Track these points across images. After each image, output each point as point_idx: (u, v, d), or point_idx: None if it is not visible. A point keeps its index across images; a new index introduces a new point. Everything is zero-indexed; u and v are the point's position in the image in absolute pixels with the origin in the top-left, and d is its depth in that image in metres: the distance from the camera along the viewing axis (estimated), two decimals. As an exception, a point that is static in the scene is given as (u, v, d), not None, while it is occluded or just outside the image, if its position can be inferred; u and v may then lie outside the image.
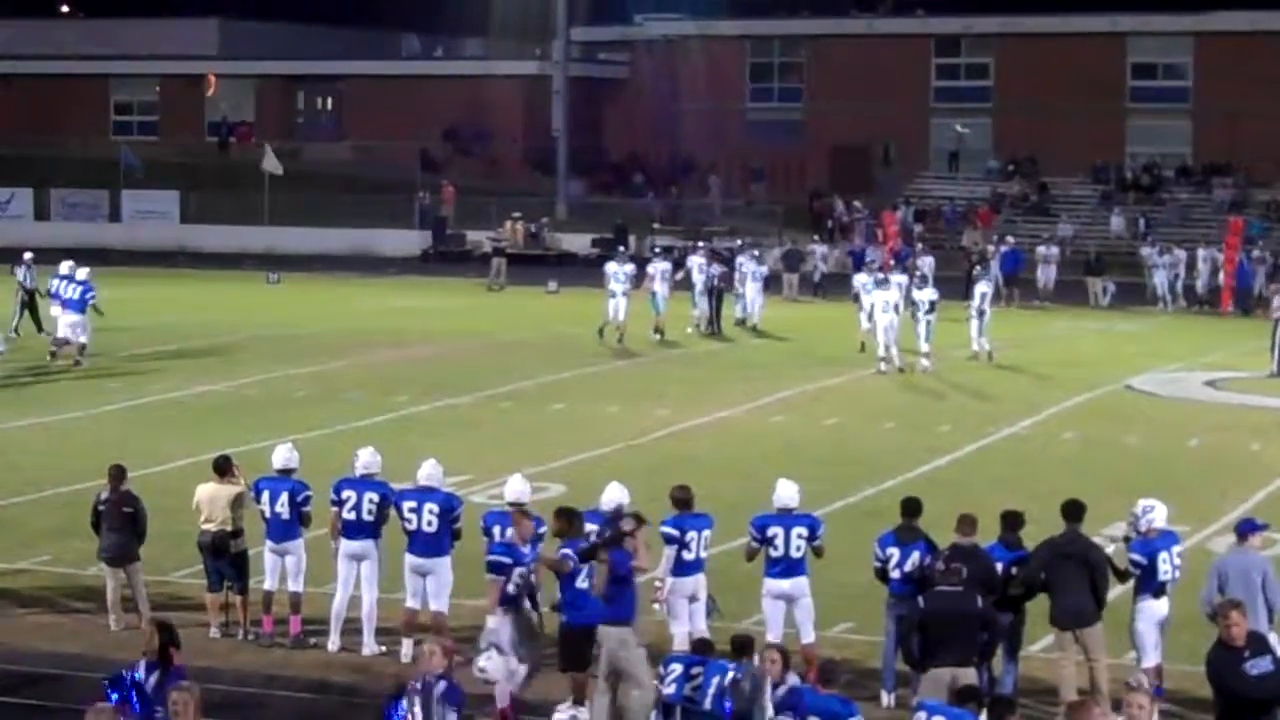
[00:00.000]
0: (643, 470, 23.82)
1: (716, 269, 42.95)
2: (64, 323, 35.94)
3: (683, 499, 16.79)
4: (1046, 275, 52.47)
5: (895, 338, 35.87)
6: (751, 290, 43.64)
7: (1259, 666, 13.12)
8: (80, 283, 36.25)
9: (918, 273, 42.03)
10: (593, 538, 15.90)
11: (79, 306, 35.94)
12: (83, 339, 35.80)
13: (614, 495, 16.84)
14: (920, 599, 14.99)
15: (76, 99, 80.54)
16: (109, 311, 37.56)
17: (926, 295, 36.77)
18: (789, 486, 16.61)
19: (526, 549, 15.82)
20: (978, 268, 43.51)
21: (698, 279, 42.91)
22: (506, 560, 15.77)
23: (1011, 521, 16.12)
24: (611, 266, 40.89)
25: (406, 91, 77.19)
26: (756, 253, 46.89)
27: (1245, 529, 15.77)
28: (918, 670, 14.74)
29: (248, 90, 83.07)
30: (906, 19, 76.36)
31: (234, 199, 66.47)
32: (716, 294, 42.74)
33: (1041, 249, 54.11)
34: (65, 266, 36.98)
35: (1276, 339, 36.18)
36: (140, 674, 12.96)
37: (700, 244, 49.28)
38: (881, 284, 37.62)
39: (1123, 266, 54.65)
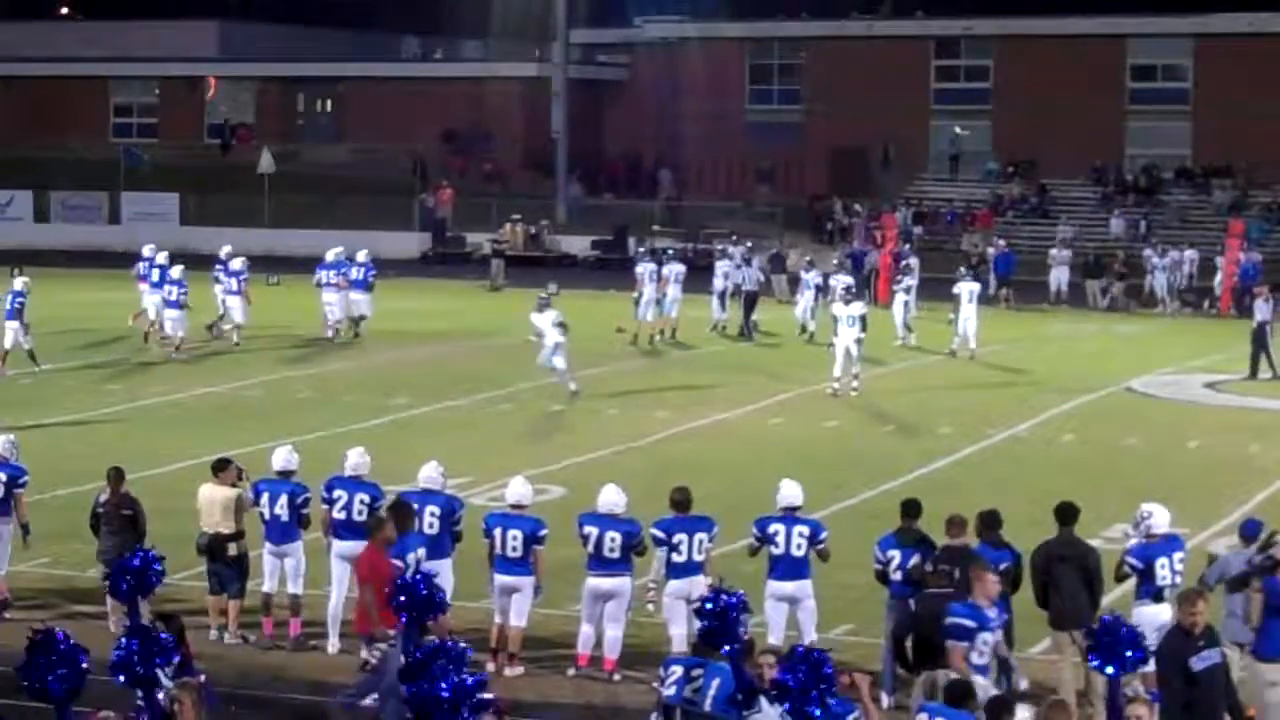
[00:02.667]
0: (642, 472, 23.84)
1: (752, 273, 42.71)
2: (357, 301, 40.66)
3: (679, 501, 16.83)
4: (1059, 278, 52.48)
5: (858, 355, 33.23)
6: (809, 298, 41.99)
7: (1207, 660, 13.18)
8: (363, 264, 41.00)
9: (843, 285, 38.24)
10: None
11: (364, 285, 40.75)
12: (367, 313, 40.93)
13: (611, 497, 16.90)
14: (910, 602, 15.00)
15: (76, 101, 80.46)
16: (108, 313, 37.56)
17: (854, 310, 33.44)
18: (793, 486, 16.66)
19: (992, 611, 14.05)
20: (960, 269, 43.48)
21: (720, 283, 43.47)
22: (970, 624, 13.78)
23: (990, 520, 16.12)
24: (641, 267, 41.66)
25: (406, 93, 77.15)
26: (809, 258, 46.82)
27: (1249, 532, 15.76)
28: (911, 672, 14.76)
29: (247, 92, 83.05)
30: (906, 21, 76.32)
31: (234, 201, 66.44)
32: (750, 298, 42.50)
33: (1054, 251, 54.13)
34: (333, 253, 41.44)
35: (1267, 344, 36.15)
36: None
37: (728, 247, 49.31)
38: (847, 296, 34.86)
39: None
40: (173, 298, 37.43)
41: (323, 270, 40.86)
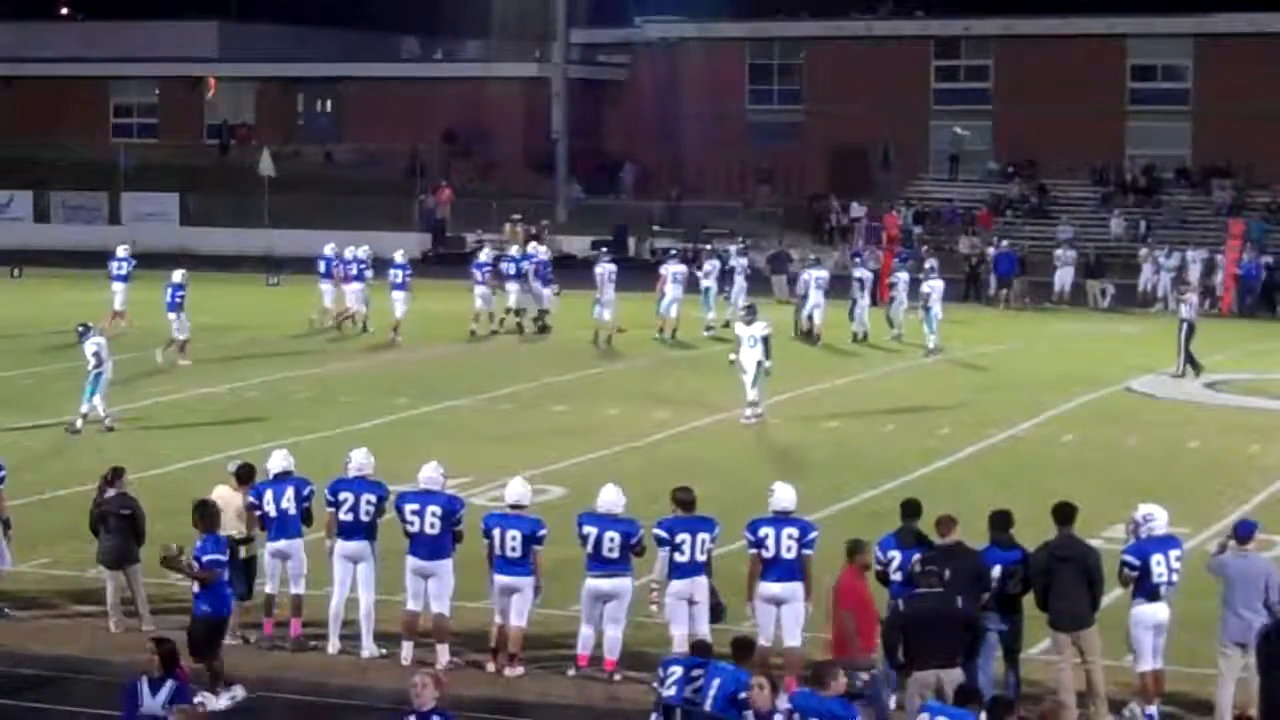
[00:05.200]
0: (642, 472, 23.84)
1: (813, 276, 42.45)
2: (521, 293, 42.24)
3: (683, 501, 16.81)
4: (1063, 279, 52.45)
5: (760, 380, 30.18)
6: (815, 298, 41.51)
7: None
8: (540, 261, 42.71)
9: (744, 305, 34.51)
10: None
11: (545, 279, 42.43)
12: (547, 306, 42.57)
13: (610, 497, 16.89)
14: (899, 602, 15.00)
15: (76, 101, 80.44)
16: (109, 314, 37.59)
17: (756, 330, 30.26)
18: (787, 490, 16.63)
19: None
20: (927, 265, 43.57)
21: (707, 282, 43.55)
22: None
23: (1000, 521, 16.11)
24: (668, 268, 41.96)
25: (406, 94, 77.16)
26: (814, 257, 46.82)
27: (1244, 532, 15.71)
28: (901, 673, 14.77)
29: (247, 92, 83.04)
30: (906, 21, 76.30)
31: (233, 201, 66.45)
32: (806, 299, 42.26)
33: (1059, 251, 54.07)
34: (524, 248, 43.80)
35: (1180, 340, 36.17)
36: (145, 694, 12.99)
37: (718, 246, 49.28)
38: (749, 316, 31.23)
39: (1122, 269, 54.63)
40: (397, 280, 40.92)
41: (527, 263, 42.68)
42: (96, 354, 28.60)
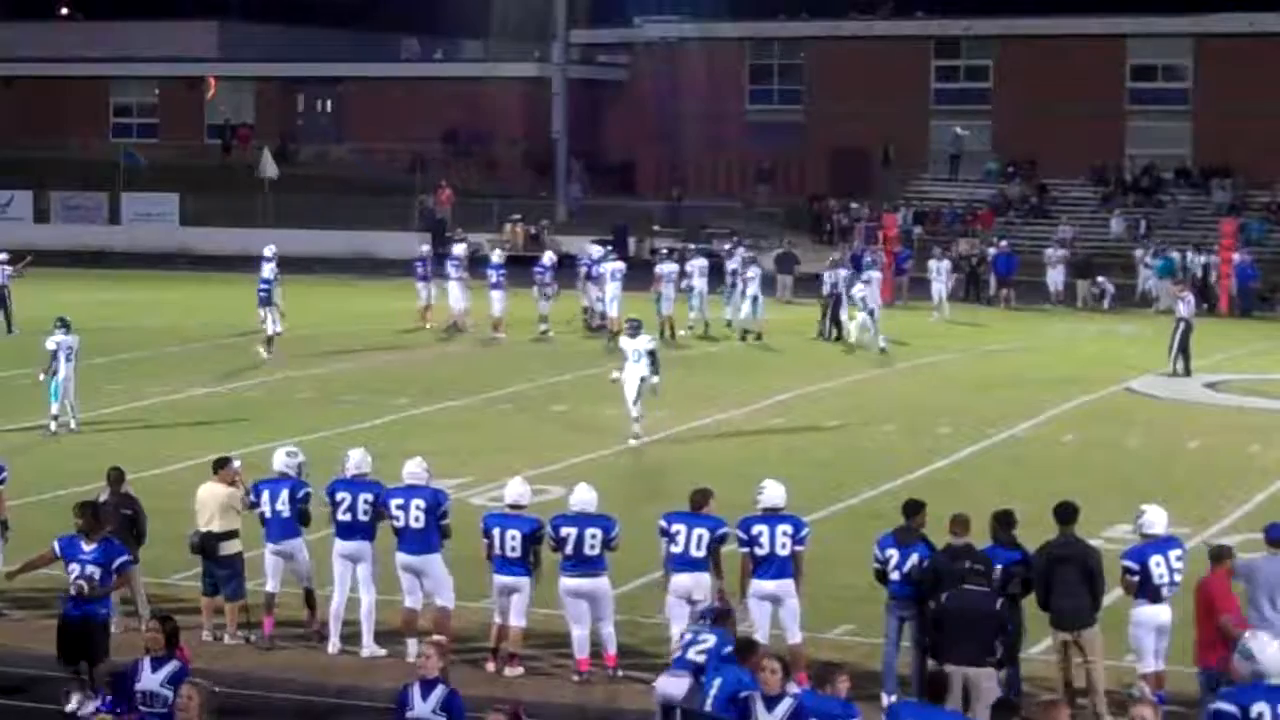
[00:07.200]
0: (642, 472, 23.87)
1: (839, 276, 42.42)
2: (596, 295, 42.39)
3: (693, 501, 16.83)
4: (1056, 279, 52.40)
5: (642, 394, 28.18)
6: (752, 290, 42.29)
7: None
8: (587, 262, 43.09)
9: (629, 319, 30.96)
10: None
11: (595, 279, 42.34)
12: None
13: (584, 495, 16.87)
14: (943, 596, 14.97)
15: (76, 101, 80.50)
16: (109, 313, 37.60)
17: (641, 344, 28.47)
18: (777, 487, 16.65)
19: None
20: (869, 264, 43.56)
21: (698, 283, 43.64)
22: None
23: (1005, 521, 16.12)
24: (663, 267, 42.26)
25: (406, 94, 77.17)
26: (753, 255, 46.81)
27: (1275, 535, 15.61)
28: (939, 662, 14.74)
29: (247, 92, 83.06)
30: (906, 21, 76.30)
31: (234, 201, 66.45)
32: (835, 300, 42.14)
33: (1049, 251, 54.02)
34: (597, 250, 43.81)
35: (1175, 340, 36.16)
36: (145, 671, 12.98)
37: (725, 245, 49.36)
38: (634, 330, 29.25)
39: (1122, 269, 54.61)
40: (493, 280, 41.60)
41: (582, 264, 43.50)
42: (54, 352, 28.64)
